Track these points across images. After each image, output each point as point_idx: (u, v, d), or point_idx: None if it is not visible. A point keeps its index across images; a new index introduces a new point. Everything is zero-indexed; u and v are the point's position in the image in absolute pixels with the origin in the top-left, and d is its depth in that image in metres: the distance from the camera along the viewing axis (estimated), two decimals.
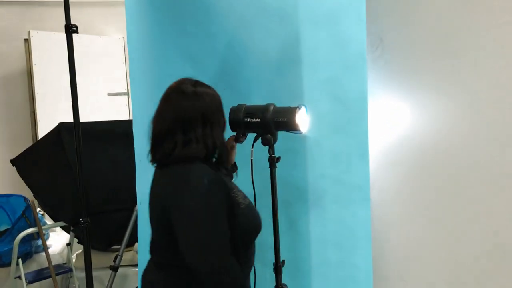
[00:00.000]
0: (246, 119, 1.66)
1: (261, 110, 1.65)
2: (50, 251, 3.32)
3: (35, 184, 3.00)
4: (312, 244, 2.21)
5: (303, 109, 1.64)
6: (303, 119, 1.64)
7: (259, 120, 1.64)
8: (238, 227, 1.48)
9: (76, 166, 2.72)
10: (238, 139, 1.71)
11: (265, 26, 2.07)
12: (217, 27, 2.06)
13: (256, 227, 1.58)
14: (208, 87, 1.58)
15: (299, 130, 1.62)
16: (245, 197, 1.56)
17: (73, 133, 2.78)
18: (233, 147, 1.74)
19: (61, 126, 2.80)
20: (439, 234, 1.61)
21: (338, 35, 2.04)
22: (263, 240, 1.73)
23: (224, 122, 1.58)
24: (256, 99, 2.06)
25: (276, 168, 1.73)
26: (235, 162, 1.80)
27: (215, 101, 1.55)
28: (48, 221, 3.33)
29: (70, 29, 1.86)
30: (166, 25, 2.05)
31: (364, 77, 2.04)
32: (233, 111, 1.69)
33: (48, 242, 3.36)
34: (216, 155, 1.54)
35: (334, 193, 2.14)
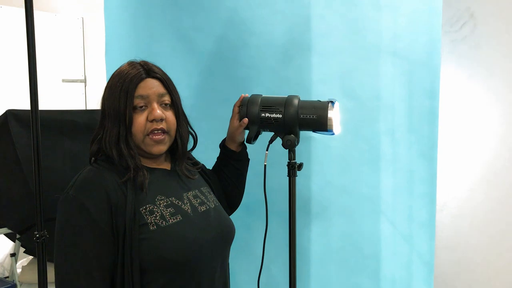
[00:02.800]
0: (263, 114, 1.31)
1: (283, 104, 1.31)
2: None
3: None
4: (312, 261, 1.93)
5: (337, 104, 1.31)
6: (337, 117, 1.31)
7: (281, 116, 1.30)
8: (143, 255, 1.07)
9: (26, 163, 2.30)
10: (250, 139, 1.36)
11: (271, 3, 1.76)
12: (215, 2, 1.71)
13: (177, 254, 1.10)
14: (127, 70, 1.18)
15: (331, 130, 1.29)
16: (177, 212, 1.15)
17: (24, 123, 2.36)
18: (241, 126, 1.41)
19: (9, 114, 2.33)
20: None
21: (353, 19, 1.78)
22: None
23: (129, 120, 1.14)
24: (257, 90, 1.75)
25: (276, 174, 1.44)
26: (243, 148, 1.47)
27: (114, 93, 1.16)
28: None
29: None
30: None
31: (379, 70, 1.81)
32: (245, 103, 1.35)
33: None
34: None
35: (340, 204, 1.87)
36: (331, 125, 1.28)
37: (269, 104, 1.32)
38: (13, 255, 2.67)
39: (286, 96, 1.35)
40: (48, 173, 2.21)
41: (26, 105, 2.20)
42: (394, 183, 1.86)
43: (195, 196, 1.24)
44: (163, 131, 1.18)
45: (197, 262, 1.14)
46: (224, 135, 1.51)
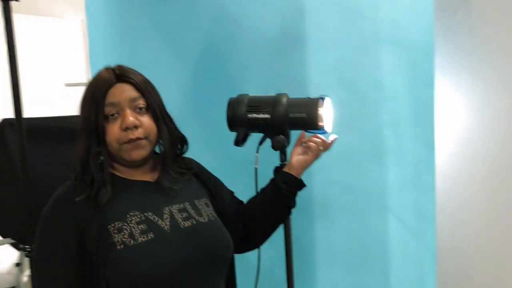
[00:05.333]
0: (250, 115, 1.24)
1: (270, 103, 1.23)
2: None
3: None
4: (318, 263, 1.86)
5: (327, 100, 1.23)
6: (328, 115, 1.23)
7: (269, 116, 1.22)
8: (109, 277, 1.01)
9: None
10: (238, 142, 1.28)
11: None
12: None
13: (145, 276, 1.02)
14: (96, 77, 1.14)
15: (322, 129, 1.22)
16: (149, 229, 1.06)
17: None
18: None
19: (5, 123, 2.30)
20: None
21: (350, 8, 1.70)
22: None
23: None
24: (250, 88, 1.69)
25: (270, 174, 1.32)
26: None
27: (85, 102, 1.13)
28: None
29: None
30: None
31: (379, 60, 1.74)
32: (232, 104, 1.27)
33: None
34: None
35: (344, 202, 1.80)
36: (322, 123, 1.20)
37: (256, 103, 1.24)
38: (18, 264, 2.66)
39: (275, 94, 1.27)
40: (46, 182, 2.18)
41: (24, 114, 2.17)
42: (400, 177, 1.79)
43: (181, 210, 1.14)
44: (139, 139, 1.10)
45: (171, 285, 1.04)
46: (215, 136, 1.42)
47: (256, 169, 1.26)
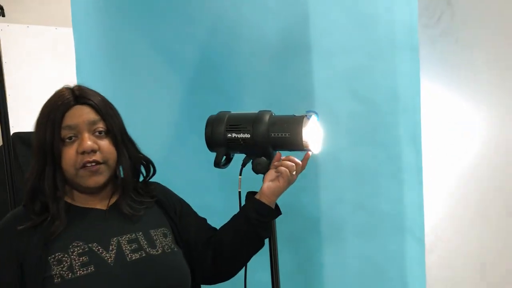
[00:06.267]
0: (229, 134, 1.13)
1: (251, 121, 1.12)
2: None
3: None
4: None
5: (313, 118, 1.11)
6: (314, 134, 1.10)
7: (249, 135, 1.11)
8: None
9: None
10: (218, 163, 1.17)
11: (262, 3, 1.57)
12: (197, 6, 1.56)
13: None
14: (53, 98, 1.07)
15: (308, 150, 1.09)
16: (91, 262, 0.99)
17: (29, 145, 2.33)
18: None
19: (15, 137, 2.32)
20: None
21: (360, 12, 1.58)
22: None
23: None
24: (250, 102, 1.61)
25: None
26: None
27: (41, 124, 1.05)
28: None
29: None
30: (127, 4, 1.52)
31: (394, 68, 1.61)
32: (211, 122, 1.17)
33: None
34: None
35: (357, 223, 1.67)
36: (306, 143, 1.07)
37: (235, 122, 1.13)
38: None
39: (257, 111, 1.16)
40: None
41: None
42: (420, 195, 1.63)
43: (132, 241, 1.06)
44: (97, 163, 1.03)
45: None
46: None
47: (239, 192, 1.15)
